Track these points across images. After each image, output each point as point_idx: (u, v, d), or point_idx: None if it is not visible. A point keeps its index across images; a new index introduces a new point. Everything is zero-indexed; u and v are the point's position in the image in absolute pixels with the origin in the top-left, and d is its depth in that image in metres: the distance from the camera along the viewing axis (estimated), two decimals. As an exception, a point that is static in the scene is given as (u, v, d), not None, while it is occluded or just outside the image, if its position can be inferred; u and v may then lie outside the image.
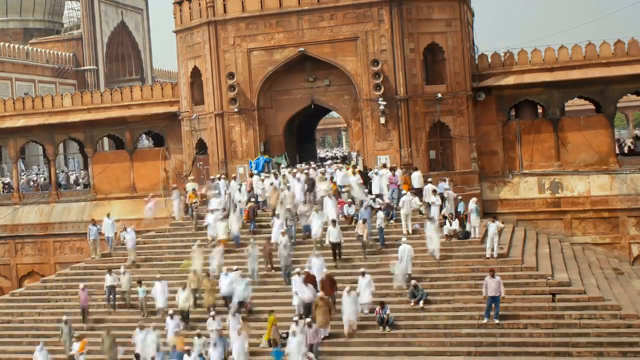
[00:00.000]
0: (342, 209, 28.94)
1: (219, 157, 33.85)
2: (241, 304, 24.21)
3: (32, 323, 27.42)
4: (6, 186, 42.50)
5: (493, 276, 22.63)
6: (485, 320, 22.67)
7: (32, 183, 43.90)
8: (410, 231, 27.41)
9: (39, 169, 53.24)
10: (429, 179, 29.64)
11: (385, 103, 31.40)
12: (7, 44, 62.10)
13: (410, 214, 27.62)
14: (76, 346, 23.09)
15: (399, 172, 30.16)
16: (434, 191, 28.43)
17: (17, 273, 38.67)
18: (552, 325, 22.59)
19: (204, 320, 23.52)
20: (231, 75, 33.01)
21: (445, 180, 29.65)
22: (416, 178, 29.96)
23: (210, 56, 33.60)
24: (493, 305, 22.61)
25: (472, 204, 27.51)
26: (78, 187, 41.38)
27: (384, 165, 30.77)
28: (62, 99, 39.69)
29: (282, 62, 33.13)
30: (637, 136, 43.35)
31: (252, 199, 30.00)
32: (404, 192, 28.29)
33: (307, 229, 27.76)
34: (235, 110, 33.24)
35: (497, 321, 22.60)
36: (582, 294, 23.64)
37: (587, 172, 32.52)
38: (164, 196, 36.04)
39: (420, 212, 28.34)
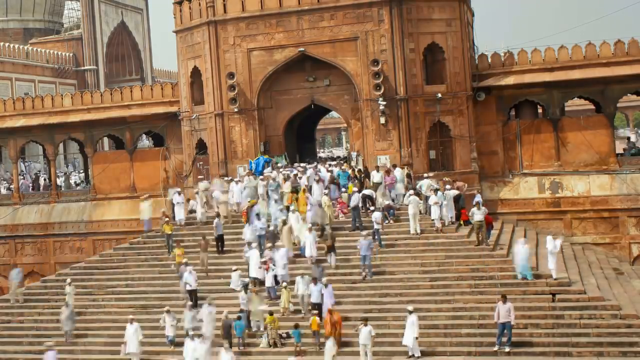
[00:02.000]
0: (340, 209, 29.05)
1: (219, 157, 33.85)
2: None
3: (32, 323, 27.44)
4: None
5: (505, 302, 21.71)
6: (496, 348, 21.76)
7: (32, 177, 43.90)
8: (418, 231, 27.43)
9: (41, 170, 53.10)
10: (425, 175, 29.76)
11: (385, 103, 31.40)
12: (7, 44, 62.11)
13: (418, 214, 27.64)
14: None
15: (399, 170, 30.22)
16: (436, 190, 28.43)
17: (17, 273, 38.64)
18: (552, 325, 22.60)
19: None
20: (231, 75, 33.01)
21: (446, 181, 29.80)
22: (397, 175, 30.03)
23: (210, 56, 33.60)
24: (505, 331, 21.68)
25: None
26: (78, 187, 41.39)
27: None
28: (62, 99, 39.66)
29: (282, 62, 33.12)
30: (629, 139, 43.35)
31: (249, 200, 29.92)
32: (410, 192, 28.24)
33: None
34: (235, 110, 33.24)
35: (507, 349, 21.65)
36: (582, 294, 23.64)
37: (587, 172, 32.52)
38: (163, 196, 36.12)
39: (420, 212, 28.32)
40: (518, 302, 23.48)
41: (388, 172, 30.03)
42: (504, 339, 21.79)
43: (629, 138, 42.03)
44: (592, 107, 36.99)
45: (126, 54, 74.00)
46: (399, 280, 25.33)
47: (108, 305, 27.09)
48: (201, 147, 35.09)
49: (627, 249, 31.63)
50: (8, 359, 25.60)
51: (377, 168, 30.82)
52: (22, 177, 43.38)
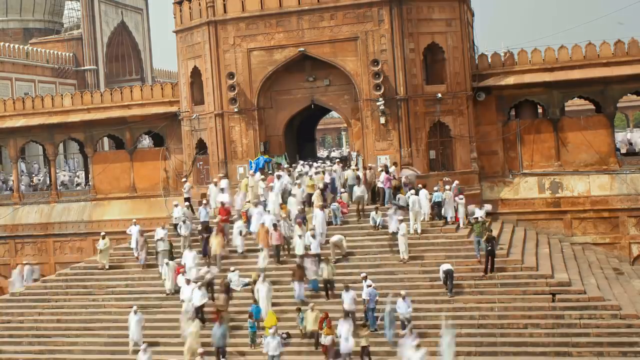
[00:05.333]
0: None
1: (219, 157, 33.85)
2: None
3: (32, 323, 27.44)
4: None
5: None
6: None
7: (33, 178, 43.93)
8: (418, 231, 27.43)
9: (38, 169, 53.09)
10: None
11: (385, 103, 31.41)
12: (7, 44, 62.01)
13: (420, 214, 27.64)
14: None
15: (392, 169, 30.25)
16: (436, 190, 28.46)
17: (17, 273, 38.63)
18: (552, 325, 22.62)
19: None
20: (231, 75, 33.01)
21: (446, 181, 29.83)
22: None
23: (210, 56, 33.60)
24: None
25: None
26: (78, 187, 41.40)
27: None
28: (62, 99, 39.65)
29: (282, 62, 33.12)
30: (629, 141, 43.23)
31: (248, 201, 29.90)
32: (412, 191, 28.21)
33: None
34: (235, 110, 33.24)
35: None
36: (582, 294, 23.65)
37: (587, 172, 32.53)
38: (164, 196, 36.14)
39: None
40: (518, 302, 23.54)
41: (386, 171, 30.02)
42: None
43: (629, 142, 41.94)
44: (592, 107, 37.00)
45: (126, 54, 73.91)
46: (399, 280, 25.32)
47: (108, 305, 27.11)
48: (201, 147, 35.09)
49: (627, 249, 31.63)
50: (8, 359, 25.60)
51: (370, 167, 30.83)
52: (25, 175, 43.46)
